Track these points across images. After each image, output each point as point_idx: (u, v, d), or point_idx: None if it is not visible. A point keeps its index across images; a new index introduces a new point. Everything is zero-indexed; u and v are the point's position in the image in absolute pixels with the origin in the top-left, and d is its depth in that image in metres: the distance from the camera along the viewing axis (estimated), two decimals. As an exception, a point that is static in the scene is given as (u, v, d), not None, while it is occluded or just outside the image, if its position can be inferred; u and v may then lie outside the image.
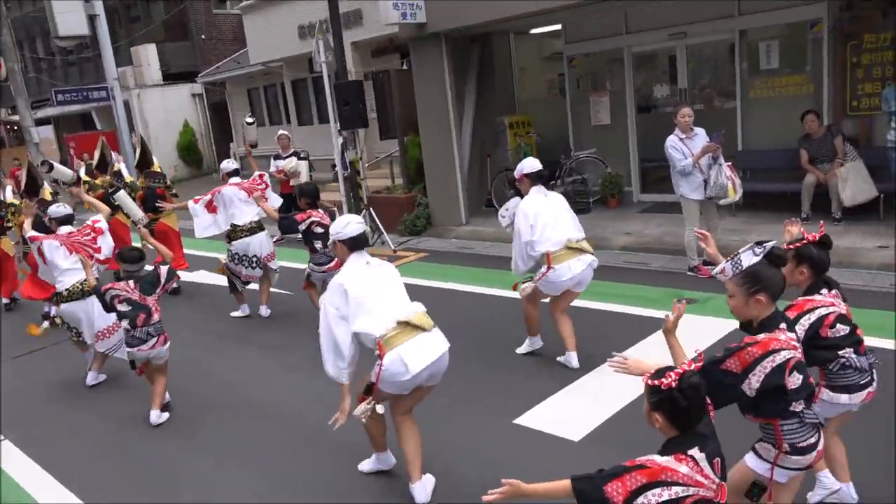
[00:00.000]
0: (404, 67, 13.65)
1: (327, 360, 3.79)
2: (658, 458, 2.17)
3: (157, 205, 8.80)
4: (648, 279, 7.23)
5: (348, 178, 10.75)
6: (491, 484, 3.81)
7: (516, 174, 5.45)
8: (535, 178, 5.33)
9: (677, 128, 6.77)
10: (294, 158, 10.77)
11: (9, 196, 9.97)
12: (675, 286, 6.79)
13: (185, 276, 9.87)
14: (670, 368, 2.23)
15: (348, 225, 3.88)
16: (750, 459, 2.75)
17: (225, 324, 7.70)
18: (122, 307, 5.27)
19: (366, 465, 4.28)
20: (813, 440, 2.65)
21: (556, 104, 11.29)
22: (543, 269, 5.21)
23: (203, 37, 24.55)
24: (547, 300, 5.48)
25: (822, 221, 3.43)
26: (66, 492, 4.49)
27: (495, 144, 10.84)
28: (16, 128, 30.56)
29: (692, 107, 7.45)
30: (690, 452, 2.17)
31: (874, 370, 3.14)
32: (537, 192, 5.32)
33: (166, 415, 5.38)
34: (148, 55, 23.29)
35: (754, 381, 2.49)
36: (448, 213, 10.59)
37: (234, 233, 7.52)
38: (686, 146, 6.69)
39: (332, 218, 6.74)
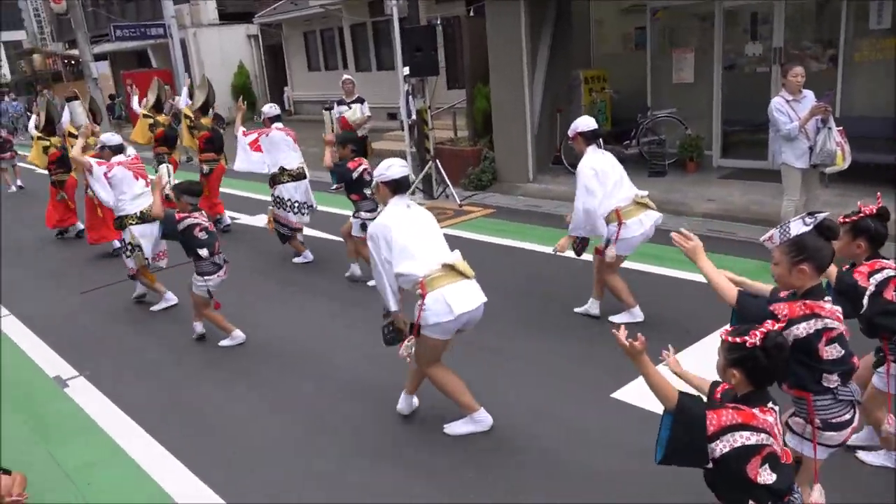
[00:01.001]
0: (471, 14, 13.13)
1: (387, 298, 3.95)
2: (749, 407, 2.18)
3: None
4: (736, 250, 6.81)
5: (413, 128, 10.40)
6: (591, 458, 3.73)
7: (570, 132, 5.33)
8: (590, 137, 5.20)
9: (784, 88, 6.23)
10: (358, 107, 10.42)
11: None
12: (766, 258, 6.34)
13: (247, 220, 9.81)
14: (752, 327, 2.19)
15: (391, 167, 3.95)
16: (792, 441, 2.70)
17: (285, 270, 7.60)
18: (202, 235, 5.36)
19: (458, 428, 4.04)
20: (847, 417, 2.63)
21: (634, 60, 10.70)
22: (614, 227, 5.12)
23: (261, -24, 24.13)
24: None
25: (879, 192, 3.27)
26: (137, 428, 4.44)
27: (569, 100, 10.36)
28: (73, 62, 30.85)
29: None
30: (770, 405, 2.20)
31: None
32: (594, 151, 5.20)
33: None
34: (205, -7, 23.04)
35: (792, 335, 2.50)
36: (515, 168, 10.21)
37: (280, 176, 7.49)
38: (792, 109, 6.17)
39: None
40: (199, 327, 5.73)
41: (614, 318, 5.37)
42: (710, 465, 2.14)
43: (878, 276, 2.98)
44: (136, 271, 6.56)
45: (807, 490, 2.63)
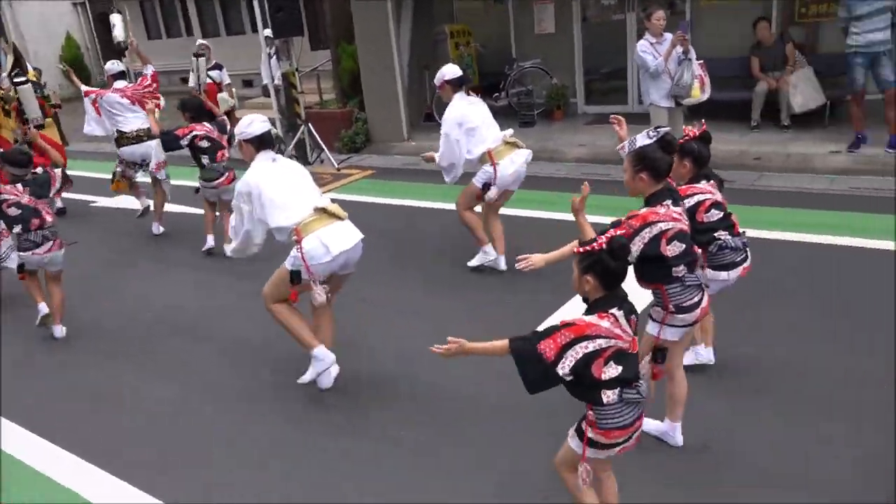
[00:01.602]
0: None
1: (236, 249, 4.17)
2: (584, 317, 2.42)
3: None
4: (612, 189, 7.14)
5: (279, 93, 9.97)
6: (507, 398, 3.87)
7: (436, 81, 5.44)
8: (456, 84, 5.33)
9: (648, 32, 6.57)
10: (226, 95, 9.88)
11: None
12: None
13: (106, 202, 9.09)
14: (595, 240, 2.43)
15: (252, 124, 3.93)
16: (649, 325, 3.11)
17: (150, 248, 7.25)
18: (12, 211, 5.05)
19: (308, 376, 4.10)
20: (696, 299, 3.03)
21: (496, 13, 10.81)
22: (487, 168, 5.27)
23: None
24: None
25: (703, 120, 3.57)
26: (28, 433, 4.07)
27: (435, 56, 10.32)
28: None
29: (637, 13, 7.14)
30: (611, 311, 2.41)
31: (748, 249, 3.50)
32: (461, 98, 5.32)
33: (64, 329, 5.28)
34: (17, -43, 20.65)
35: (635, 249, 2.85)
36: (389, 128, 10.10)
37: (120, 139, 7.30)
38: (656, 51, 6.52)
39: (222, 130, 6.74)
40: (43, 308, 5.44)
41: (471, 263, 5.61)
42: (569, 380, 2.39)
43: (688, 202, 3.30)
44: None
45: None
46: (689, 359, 3.73)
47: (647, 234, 2.85)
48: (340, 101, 10.80)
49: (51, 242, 5.16)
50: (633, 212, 2.90)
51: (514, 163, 5.27)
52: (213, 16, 17.25)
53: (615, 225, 2.84)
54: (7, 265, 5.60)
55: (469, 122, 5.23)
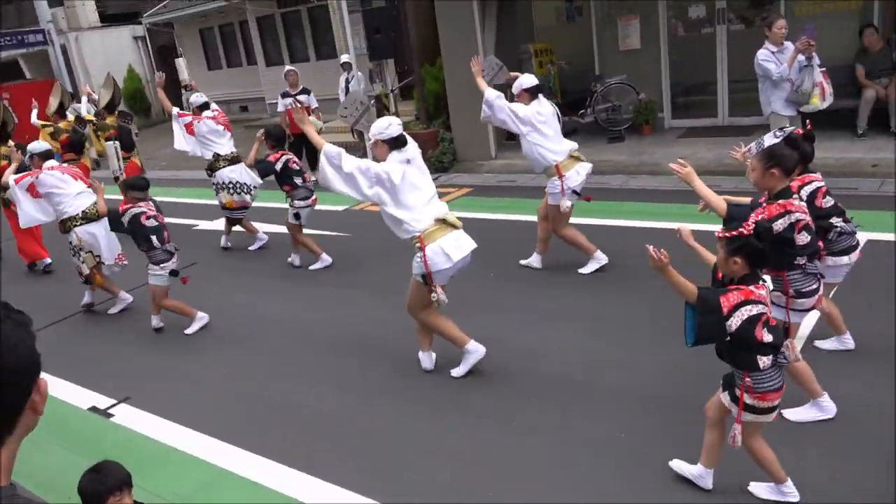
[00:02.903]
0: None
1: (330, 168, 4.19)
2: (744, 286, 2.69)
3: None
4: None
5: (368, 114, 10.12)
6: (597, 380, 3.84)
7: (515, 90, 5.70)
8: (534, 92, 5.62)
9: (768, 41, 6.56)
10: (314, 118, 10.12)
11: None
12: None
13: (206, 225, 9.26)
14: (740, 224, 2.68)
15: (390, 126, 4.23)
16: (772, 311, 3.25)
17: (256, 265, 7.30)
18: (150, 222, 5.41)
19: (461, 369, 4.42)
20: (814, 287, 3.35)
21: (577, 30, 10.90)
22: (555, 181, 5.51)
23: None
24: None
25: (809, 120, 3.85)
26: (213, 440, 4.18)
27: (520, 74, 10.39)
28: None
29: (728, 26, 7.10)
30: (761, 282, 2.72)
31: (856, 232, 3.74)
32: (538, 105, 5.57)
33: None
34: (82, -6, 21.36)
35: (773, 230, 3.04)
36: (476, 147, 10.18)
37: (216, 163, 7.59)
38: (778, 59, 6.51)
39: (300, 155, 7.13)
40: (156, 321, 5.74)
41: (583, 271, 5.76)
42: (728, 339, 2.66)
43: (807, 189, 3.54)
44: (89, 274, 6.30)
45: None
46: (830, 345, 4.07)
47: (785, 221, 3.12)
48: (424, 122, 10.92)
49: (176, 253, 5.54)
50: (774, 200, 3.16)
51: (580, 174, 5.57)
52: (278, 44, 17.56)
53: (762, 205, 3.14)
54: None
55: (547, 128, 5.52)
